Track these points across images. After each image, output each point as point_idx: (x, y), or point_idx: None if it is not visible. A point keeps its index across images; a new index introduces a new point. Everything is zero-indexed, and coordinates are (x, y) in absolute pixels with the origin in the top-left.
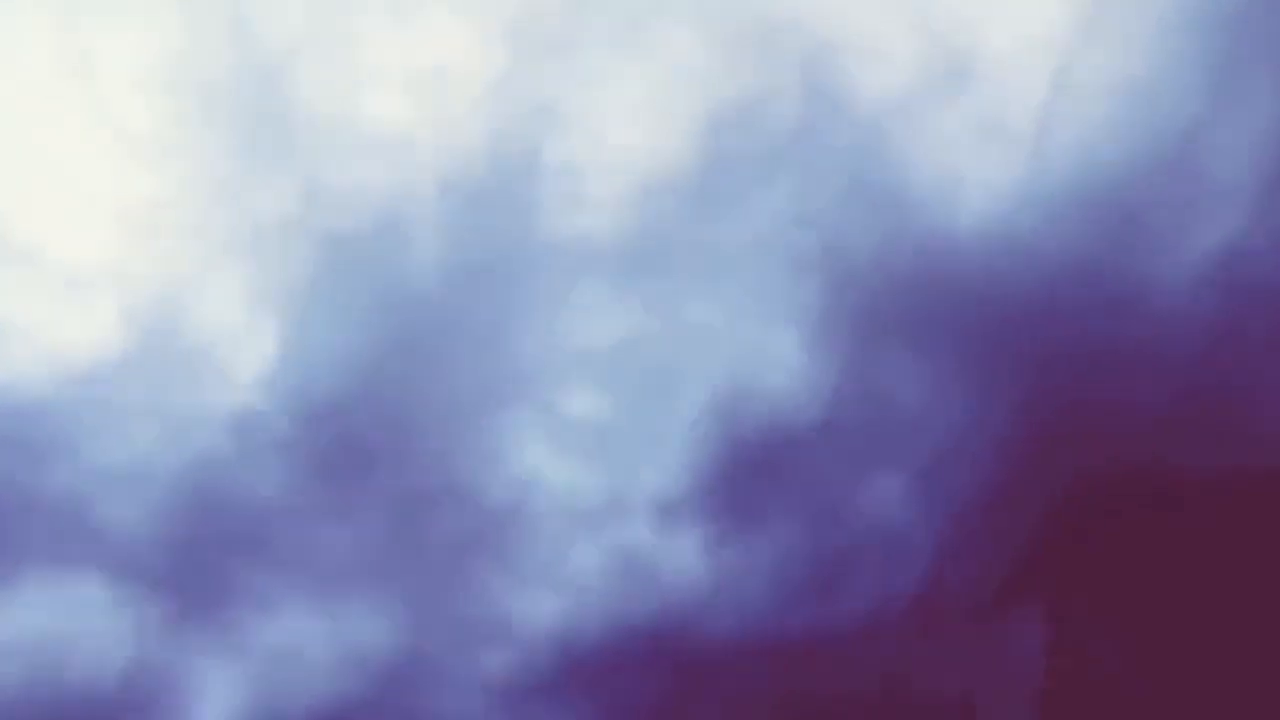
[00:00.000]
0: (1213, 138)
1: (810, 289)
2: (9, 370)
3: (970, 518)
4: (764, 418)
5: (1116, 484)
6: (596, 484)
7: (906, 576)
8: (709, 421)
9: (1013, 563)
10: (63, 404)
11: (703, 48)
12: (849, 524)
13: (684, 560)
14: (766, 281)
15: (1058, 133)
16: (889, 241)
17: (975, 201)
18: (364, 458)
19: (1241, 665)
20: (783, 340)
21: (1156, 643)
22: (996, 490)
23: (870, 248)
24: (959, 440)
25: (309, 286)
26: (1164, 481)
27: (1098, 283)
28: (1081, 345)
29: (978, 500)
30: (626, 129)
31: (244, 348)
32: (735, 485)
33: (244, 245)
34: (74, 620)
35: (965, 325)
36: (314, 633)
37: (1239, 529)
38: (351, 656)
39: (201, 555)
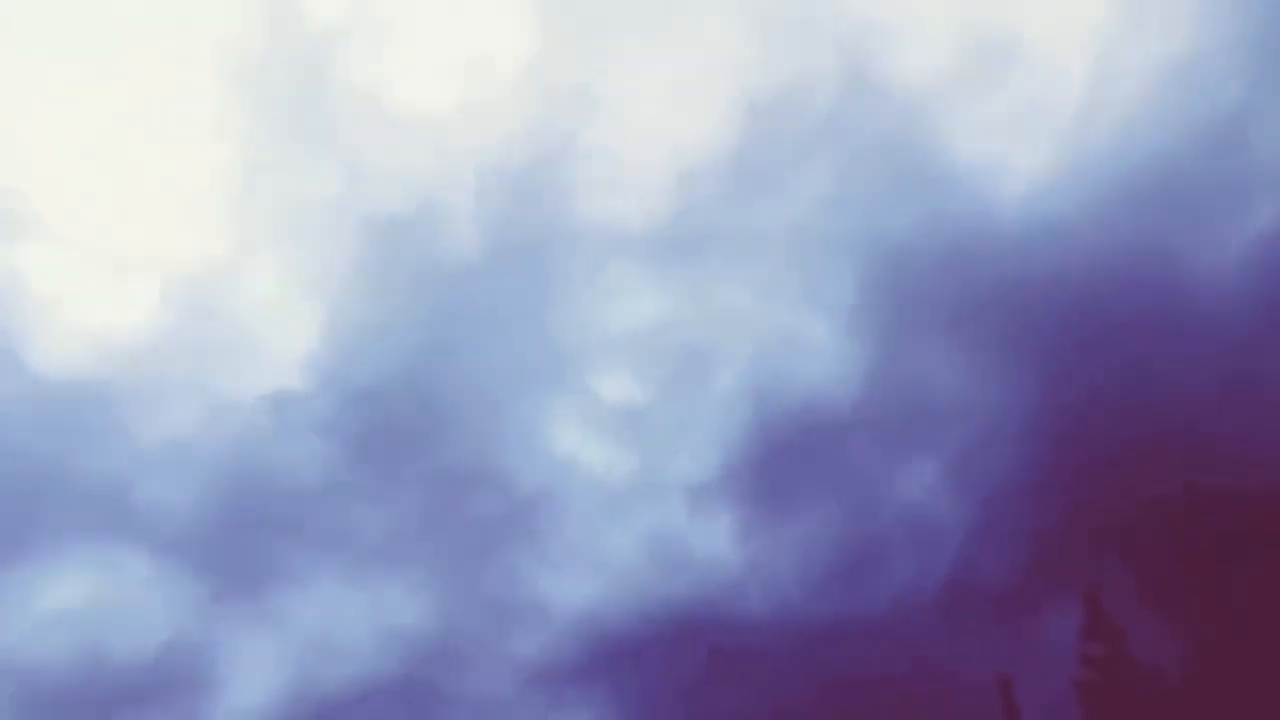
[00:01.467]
0: (1257, 122)
1: (846, 274)
2: (56, 350)
3: (1004, 506)
4: (798, 403)
5: (1153, 473)
6: (630, 467)
7: (938, 563)
8: (743, 406)
9: (1046, 551)
10: (107, 383)
11: (741, 33)
12: (882, 510)
13: (716, 544)
14: (802, 266)
15: (1099, 118)
16: (927, 227)
17: (1015, 187)
18: (401, 439)
19: (1274, 654)
20: (818, 325)
21: (1191, 630)
22: (1031, 478)
23: (908, 233)
24: (994, 428)
25: (349, 269)
26: (1203, 470)
27: (1138, 269)
28: (1121, 332)
29: (1012, 488)
30: (664, 114)
31: (284, 329)
32: (768, 470)
33: (286, 228)
34: (116, 594)
35: (1003, 312)
36: (349, 611)
37: (1278, 519)
38: (386, 635)
39: (241, 533)
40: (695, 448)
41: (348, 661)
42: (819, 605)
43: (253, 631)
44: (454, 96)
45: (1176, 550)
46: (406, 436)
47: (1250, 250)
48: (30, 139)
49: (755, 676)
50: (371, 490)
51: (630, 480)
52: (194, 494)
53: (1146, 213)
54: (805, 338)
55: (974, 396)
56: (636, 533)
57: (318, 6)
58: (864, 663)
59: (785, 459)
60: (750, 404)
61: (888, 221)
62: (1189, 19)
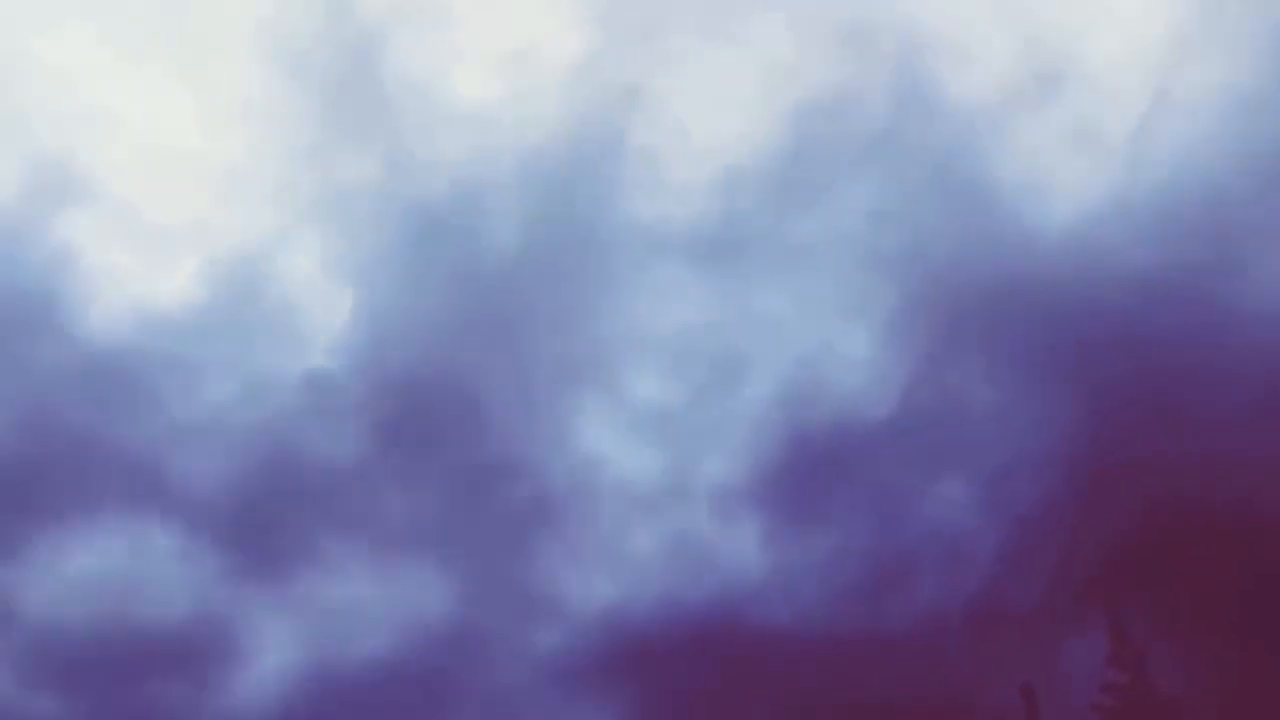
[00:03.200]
0: None
1: (887, 287)
2: (99, 319)
3: (1034, 529)
4: (831, 413)
5: (1184, 504)
6: (658, 468)
7: (964, 583)
8: (776, 414)
9: (1074, 576)
10: (146, 355)
11: (796, 40)
12: (910, 526)
13: (741, 549)
14: (843, 277)
15: (1153, 144)
16: (971, 245)
17: (1063, 210)
18: (432, 428)
19: None
20: (855, 337)
21: (1218, 662)
22: (1062, 503)
23: (951, 250)
24: (1028, 450)
25: (388, 255)
26: (1238, 500)
27: (1183, 300)
28: (1163, 362)
29: (1042, 511)
30: (713, 116)
31: (321, 311)
32: (797, 479)
33: (327, 211)
34: (143, 562)
35: (1043, 335)
36: (371, 594)
37: None
38: (406, 620)
39: (269, 510)
40: (725, 453)
41: (366, 644)
42: (841, 618)
43: (275, 608)
44: (502, 89)
45: (1206, 581)
46: (437, 425)
47: None
48: (81, 109)
49: (772, 685)
50: (400, 476)
51: (658, 481)
52: (225, 469)
53: (1194, 244)
54: (842, 349)
55: (1009, 418)
56: (661, 534)
57: None
58: (883, 678)
59: (815, 469)
60: (783, 412)
61: (932, 238)
62: (1251, 51)
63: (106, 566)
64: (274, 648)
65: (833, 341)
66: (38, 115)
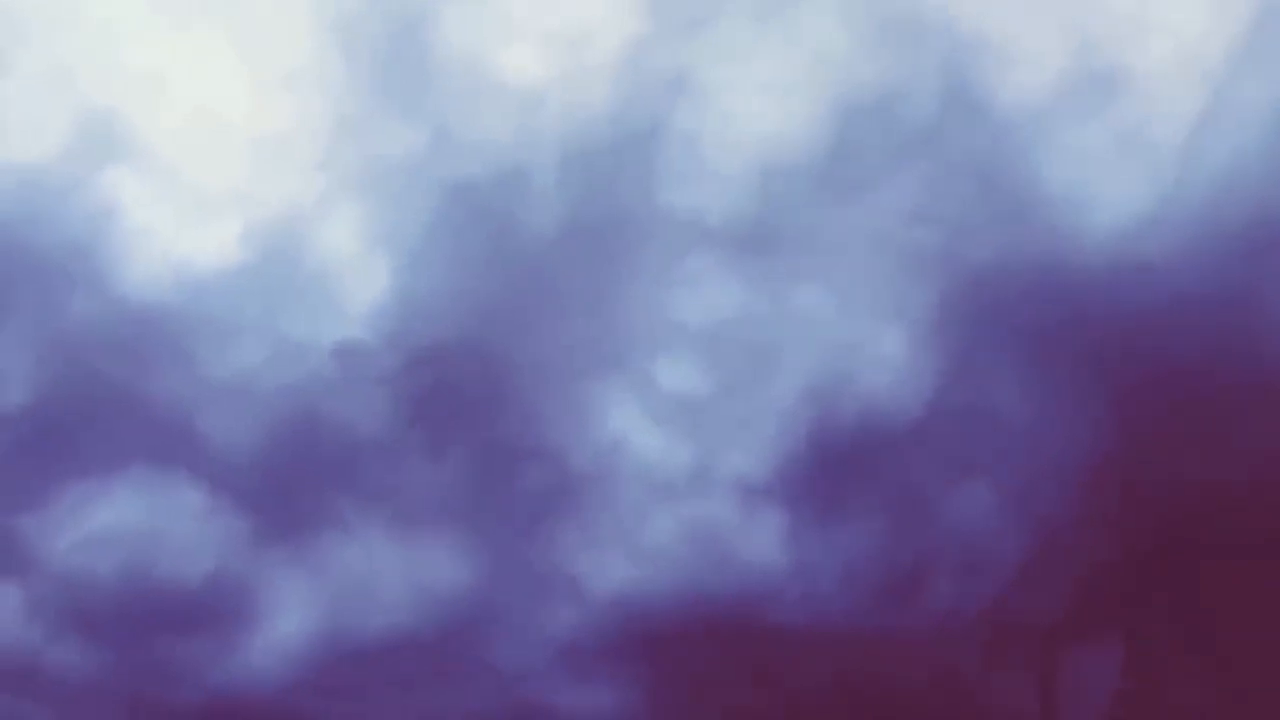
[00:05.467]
0: None
1: (924, 289)
2: (136, 275)
3: (1056, 538)
4: (859, 412)
5: (1212, 522)
6: (682, 457)
7: (984, 589)
8: (804, 410)
9: (1094, 588)
10: (181, 315)
11: (845, 33)
12: (932, 529)
13: (762, 543)
14: (880, 276)
15: (1204, 156)
16: (1012, 250)
17: (1108, 219)
18: (459, 403)
19: None
20: (889, 337)
21: (1234, 679)
22: (1087, 514)
23: (991, 254)
24: (1056, 460)
25: (425, 230)
26: (1261, 519)
27: (1228, 317)
28: (1201, 380)
29: (1066, 522)
30: (757, 107)
31: (356, 282)
32: (821, 476)
33: (367, 182)
34: (167, 520)
35: (1080, 345)
36: (389, 566)
37: None
38: (423, 594)
39: (293, 475)
40: (751, 446)
41: (383, 613)
42: (859, 618)
43: (295, 572)
44: (549, 69)
45: (1227, 595)
46: (464, 401)
47: None
48: (129, 67)
49: (785, 680)
50: (425, 450)
51: (681, 471)
52: (252, 432)
53: (1241, 259)
54: (875, 349)
55: (1040, 427)
56: (682, 524)
57: None
58: (897, 680)
59: (841, 468)
60: (812, 409)
61: (973, 241)
62: None
63: (131, 521)
64: (292, 611)
65: (866, 340)
66: (85, 72)
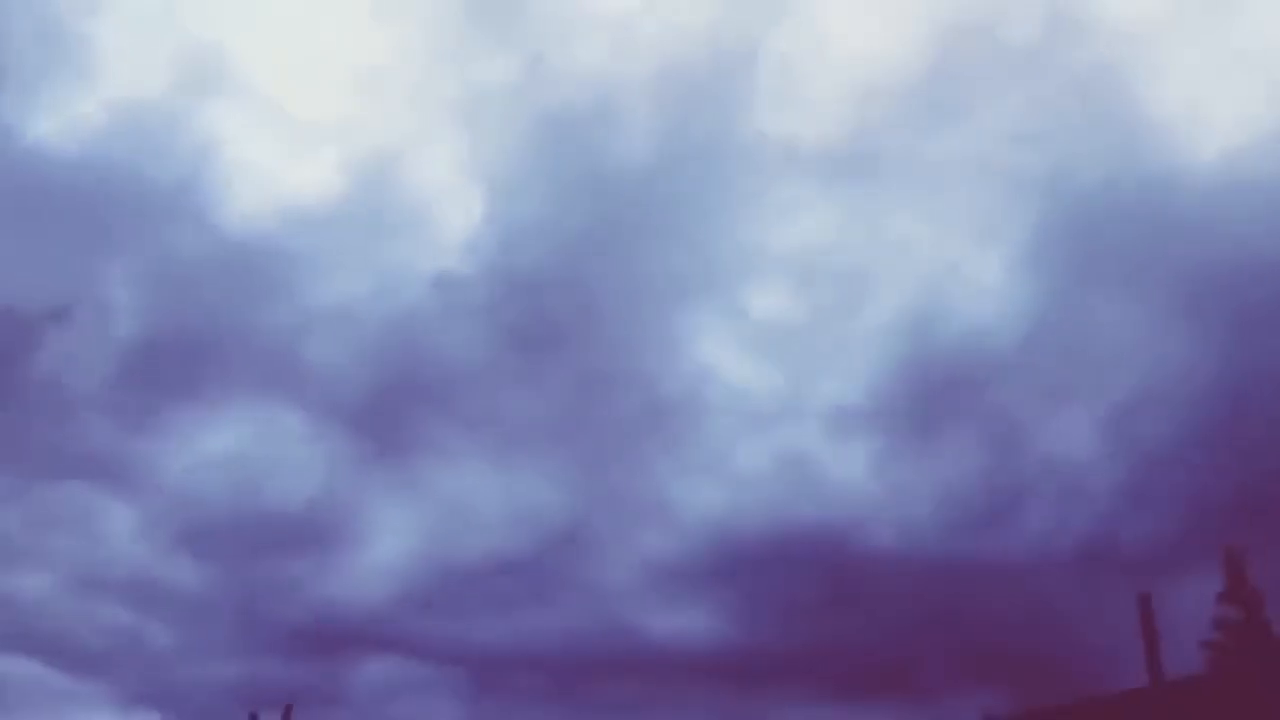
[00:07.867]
0: None
1: (1025, 213)
2: (239, 208)
3: (1156, 468)
4: (956, 339)
5: None
6: (773, 384)
7: (1080, 518)
8: (898, 336)
9: (1194, 518)
10: (284, 247)
11: None
12: (1029, 457)
13: (852, 471)
14: (978, 201)
15: None
16: (1117, 172)
17: (1215, 142)
18: (553, 331)
19: None
20: (987, 262)
21: None
22: (1187, 443)
23: (1096, 178)
24: (1158, 388)
25: (521, 160)
26: None
27: None
28: None
29: (1167, 451)
30: (854, 31)
31: (453, 212)
32: (915, 403)
33: (464, 113)
34: (273, 446)
35: (1185, 269)
36: (487, 489)
37: None
38: (518, 516)
39: (394, 402)
40: (843, 373)
41: (480, 535)
42: (950, 546)
43: (395, 496)
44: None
45: None
46: (558, 329)
47: None
48: (231, 3)
49: (874, 607)
50: (521, 376)
51: (773, 397)
52: (354, 360)
53: None
54: (973, 274)
55: (1142, 354)
56: (772, 450)
57: None
58: (989, 609)
59: (935, 394)
60: (906, 335)
61: (1076, 164)
62: None
63: (239, 446)
64: (393, 532)
65: (963, 266)
66: (186, 9)
